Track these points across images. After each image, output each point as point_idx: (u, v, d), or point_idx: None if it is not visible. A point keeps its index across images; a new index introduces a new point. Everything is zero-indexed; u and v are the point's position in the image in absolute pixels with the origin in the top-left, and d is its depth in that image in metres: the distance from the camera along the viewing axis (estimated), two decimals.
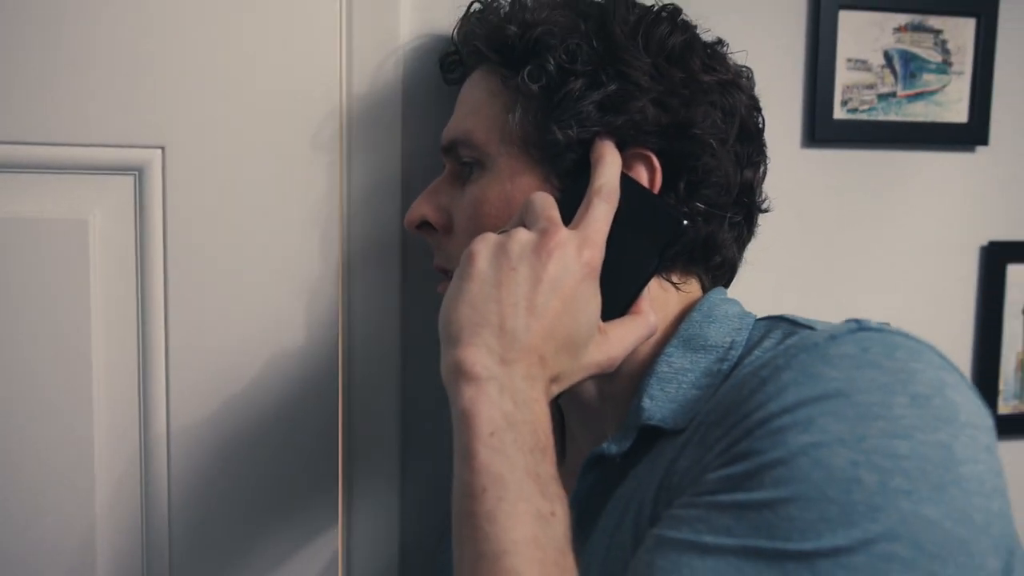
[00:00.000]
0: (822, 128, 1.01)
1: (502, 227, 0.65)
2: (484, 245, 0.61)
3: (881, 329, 0.54)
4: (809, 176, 1.03)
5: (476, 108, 0.73)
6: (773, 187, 0.99)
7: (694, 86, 0.68)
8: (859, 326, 0.54)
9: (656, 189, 0.67)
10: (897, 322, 1.04)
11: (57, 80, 0.78)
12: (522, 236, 0.60)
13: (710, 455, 0.53)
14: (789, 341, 0.57)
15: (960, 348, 1.13)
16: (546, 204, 0.63)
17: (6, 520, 0.80)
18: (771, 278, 1.02)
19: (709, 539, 0.49)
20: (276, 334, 0.85)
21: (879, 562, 0.46)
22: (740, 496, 0.49)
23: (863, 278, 1.07)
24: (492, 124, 0.71)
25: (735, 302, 0.70)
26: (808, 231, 1.04)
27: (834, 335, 0.53)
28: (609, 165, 0.65)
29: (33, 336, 0.80)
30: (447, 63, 0.85)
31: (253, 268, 0.84)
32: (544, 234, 0.60)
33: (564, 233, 0.60)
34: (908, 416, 0.49)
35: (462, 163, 0.74)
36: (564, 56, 0.68)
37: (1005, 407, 1.14)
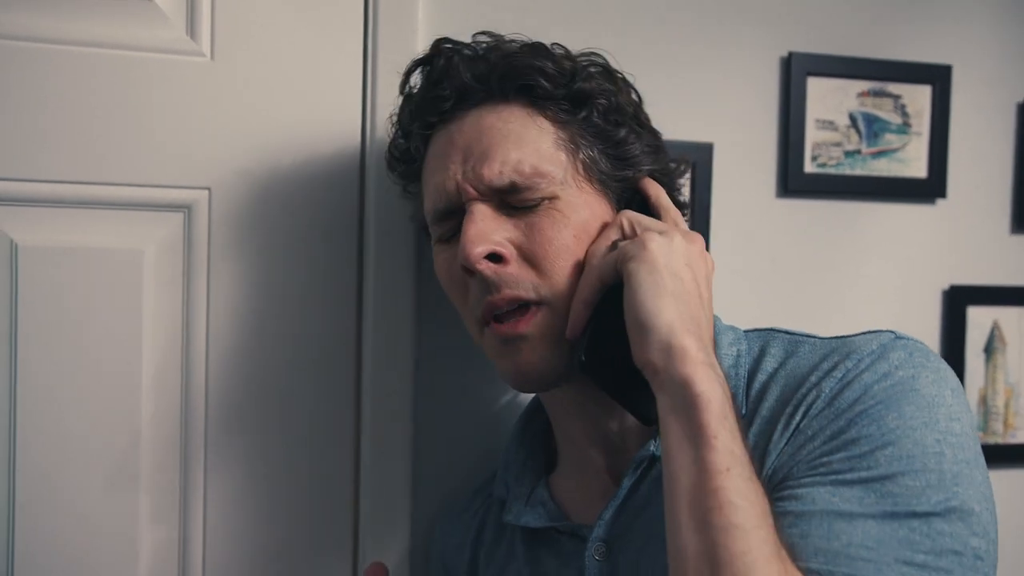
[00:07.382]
0: (794, 180, 1.11)
1: (591, 249, 0.73)
2: (655, 242, 0.67)
3: (909, 338, 0.68)
4: (782, 224, 1.12)
5: (534, 146, 0.74)
6: (749, 233, 1.09)
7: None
8: (895, 335, 0.68)
9: None
10: None
11: (119, 130, 0.88)
12: (678, 236, 0.69)
13: (814, 442, 0.63)
14: (840, 347, 0.69)
15: None
16: (650, 219, 0.73)
17: (55, 522, 0.88)
18: (745, 318, 1.10)
19: (846, 507, 0.59)
20: (304, 353, 0.95)
21: (964, 516, 0.59)
22: (863, 473, 0.60)
23: (833, 319, 1.14)
24: (553, 159, 0.74)
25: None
26: (781, 275, 1.13)
27: (883, 343, 0.66)
28: (665, 195, 0.77)
29: (92, 348, 0.88)
30: (440, 91, 0.77)
31: (286, 293, 0.94)
32: (690, 238, 0.70)
33: (700, 237, 0.72)
34: (955, 404, 0.64)
35: (516, 198, 0.73)
36: (610, 101, 0.77)
37: None
